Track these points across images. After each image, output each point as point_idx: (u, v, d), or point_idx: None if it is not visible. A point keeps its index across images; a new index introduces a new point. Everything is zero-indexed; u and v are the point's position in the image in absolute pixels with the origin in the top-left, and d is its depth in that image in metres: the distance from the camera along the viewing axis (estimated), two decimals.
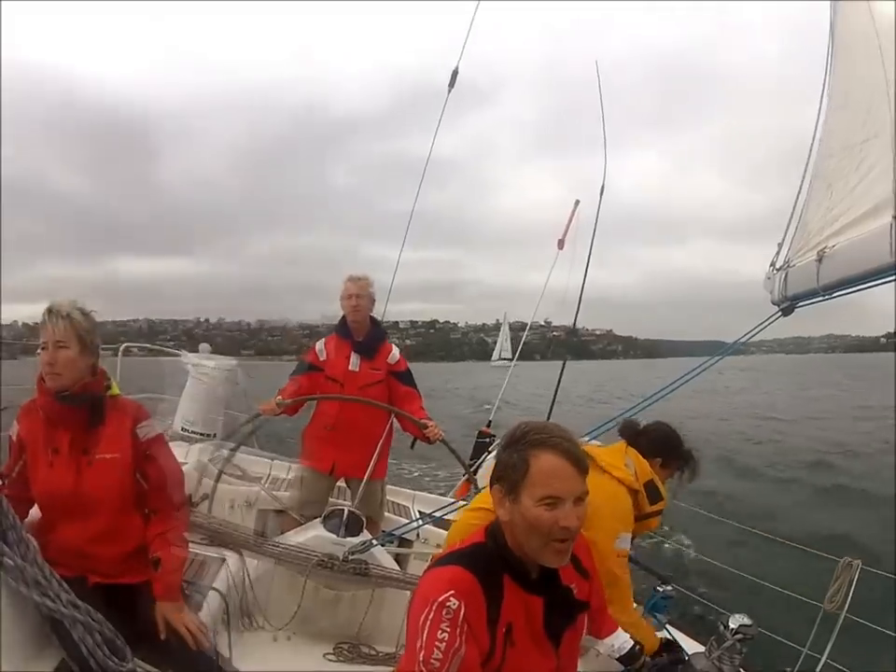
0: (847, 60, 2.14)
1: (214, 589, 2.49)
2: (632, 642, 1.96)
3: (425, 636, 1.23)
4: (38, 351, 2.00)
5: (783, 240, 2.29)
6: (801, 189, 2.26)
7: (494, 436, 4.96)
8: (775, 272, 2.31)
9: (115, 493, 2.04)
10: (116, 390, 2.15)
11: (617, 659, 1.96)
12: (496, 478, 1.42)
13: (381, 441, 3.66)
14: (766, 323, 2.25)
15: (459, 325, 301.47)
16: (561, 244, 5.27)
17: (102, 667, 1.73)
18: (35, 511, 2.10)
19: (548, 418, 4.93)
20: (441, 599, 1.26)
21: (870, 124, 1.87)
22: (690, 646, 2.43)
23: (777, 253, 2.31)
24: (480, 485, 3.74)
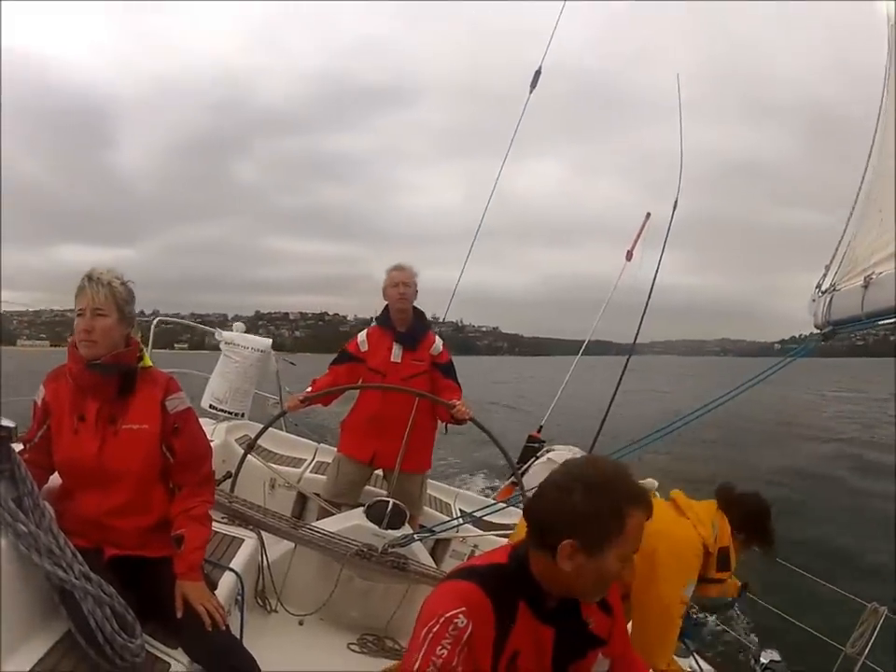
0: None
1: (230, 569, 2.47)
2: None
3: (424, 648, 1.21)
4: (75, 317, 1.97)
5: (830, 262, 2.21)
6: (852, 211, 2.17)
7: (544, 441, 4.90)
8: (820, 294, 2.23)
9: (139, 464, 2.01)
10: (148, 362, 2.14)
11: None
12: (570, 529, 1.26)
13: (411, 432, 3.56)
14: (806, 347, 2.19)
15: (348, 318, 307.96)
16: (629, 255, 5.23)
17: (109, 642, 1.71)
18: (54, 479, 2.08)
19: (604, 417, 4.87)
20: (449, 615, 1.23)
21: None
22: None
23: (824, 276, 2.22)
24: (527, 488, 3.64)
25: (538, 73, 4.30)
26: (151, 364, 2.17)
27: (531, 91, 4.35)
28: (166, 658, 1.89)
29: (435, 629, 1.22)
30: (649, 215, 5.18)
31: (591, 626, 1.41)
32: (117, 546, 2.00)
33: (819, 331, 2.21)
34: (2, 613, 1.62)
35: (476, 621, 1.23)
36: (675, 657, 2.31)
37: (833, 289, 2.14)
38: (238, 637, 2.11)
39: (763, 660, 1.92)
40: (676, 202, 4.80)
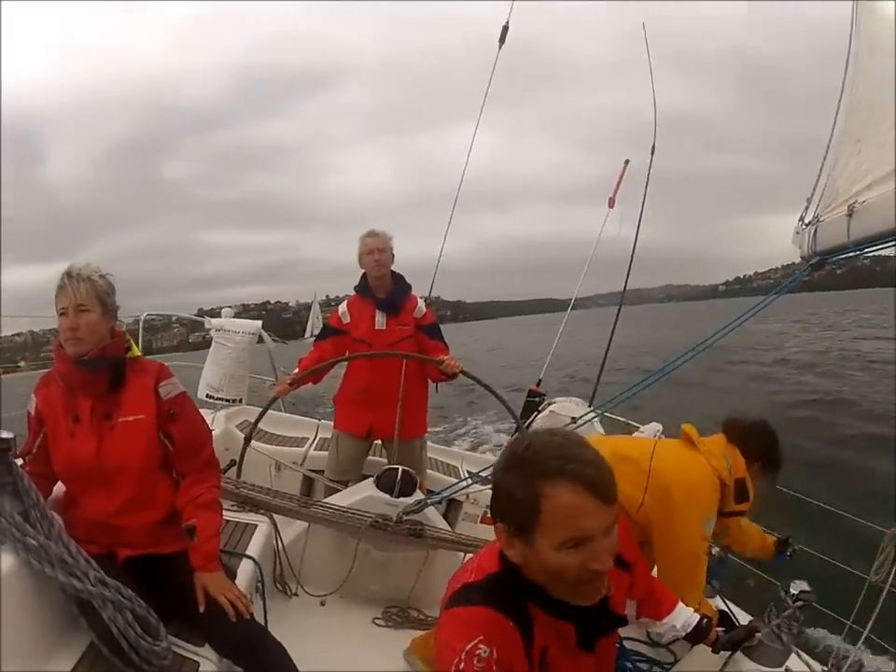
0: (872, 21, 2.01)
1: (247, 556, 2.46)
2: (698, 616, 1.77)
3: None
4: (57, 316, 1.94)
5: (812, 195, 2.19)
6: (829, 144, 2.15)
7: (544, 394, 4.93)
8: (804, 227, 2.21)
9: (140, 457, 1.98)
10: (136, 352, 2.10)
11: (684, 638, 1.75)
12: (499, 513, 1.17)
13: (403, 398, 3.53)
14: (795, 279, 2.18)
15: (290, 304, 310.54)
16: (611, 202, 5.17)
17: (135, 648, 1.68)
18: (58, 488, 2.06)
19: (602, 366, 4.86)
20: (469, 648, 1.11)
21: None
22: (738, 613, 2.39)
23: (806, 208, 2.20)
24: None
25: (505, 27, 4.24)
26: (140, 354, 2.14)
27: (500, 47, 4.30)
28: (194, 657, 1.87)
29: (462, 667, 1.10)
30: (627, 161, 5.13)
31: (610, 597, 1.27)
32: (129, 547, 1.97)
33: (806, 263, 2.21)
34: (20, 634, 1.58)
35: (499, 643, 1.13)
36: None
37: (818, 221, 2.13)
38: (263, 624, 2.09)
39: (793, 590, 1.93)
40: (653, 147, 4.78)
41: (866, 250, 1.90)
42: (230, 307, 5.16)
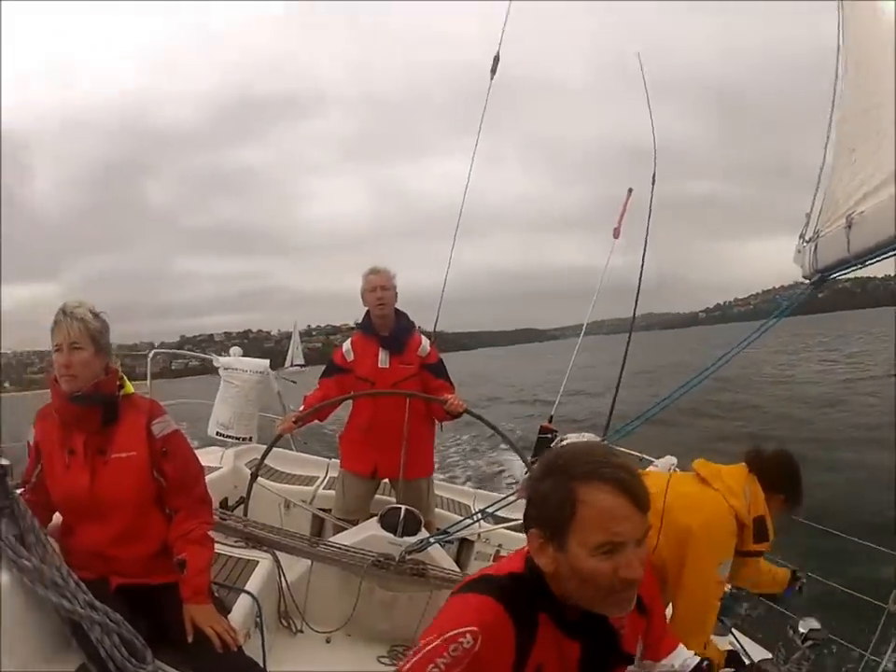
0: (858, 29, 2.04)
1: (245, 592, 2.45)
2: (697, 659, 1.64)
3: (416, 663, 1.09)
4: (53, 352, 1.99)
5: (811, 210, 2.17)
6: (824, 157, 2.14)
7: (556, 431, 4.87)
8: (804, 244, 2.19)
9: (132, 492, 2.02)
10: (130, 389, 2.14)
11: None
12: (533, 519, 1.17)
13: (409, 438, 3.50)
14: (798, 298, 2.15)
15: (272, 333, 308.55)
16: (617, 232, 5.19)
17: (120, 669, 1.70)
18: (57, 516, 2.09)
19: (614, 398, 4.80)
20: (453, 633, 1.09)
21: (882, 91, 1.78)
22: (751, 649, 2.31)
23: (806, 224, 2.18)
24: None
25: (496, 59, 4.32)
26: (133, 391, 2.17)
27: (492, 78, 4.37)
28: None
29: (431, 645, 1.09)
30: (631, 190, 5.16)
31: (622, 636, 1.25)
32: (122, 575, 2.00)
33: (808, 281, 2.18)
34: (11, 648, 1.62)
35: (491, 639, 1.10)
36: (713, 635, 2.20)
37: (817, 237, 2.11)
38: (261, 659, 2.09)
39: (801, 629, 1.84)
40: (654, 175, 4.79)
41: (867, 262, 1.87)
42: (237, 346, 5.23)
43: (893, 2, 1.74)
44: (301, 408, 3.65)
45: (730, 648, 2.28)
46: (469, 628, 1.09)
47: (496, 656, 1.11)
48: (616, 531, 1.06)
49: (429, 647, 1.08)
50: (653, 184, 4.77)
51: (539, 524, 1.14)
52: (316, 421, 3.76)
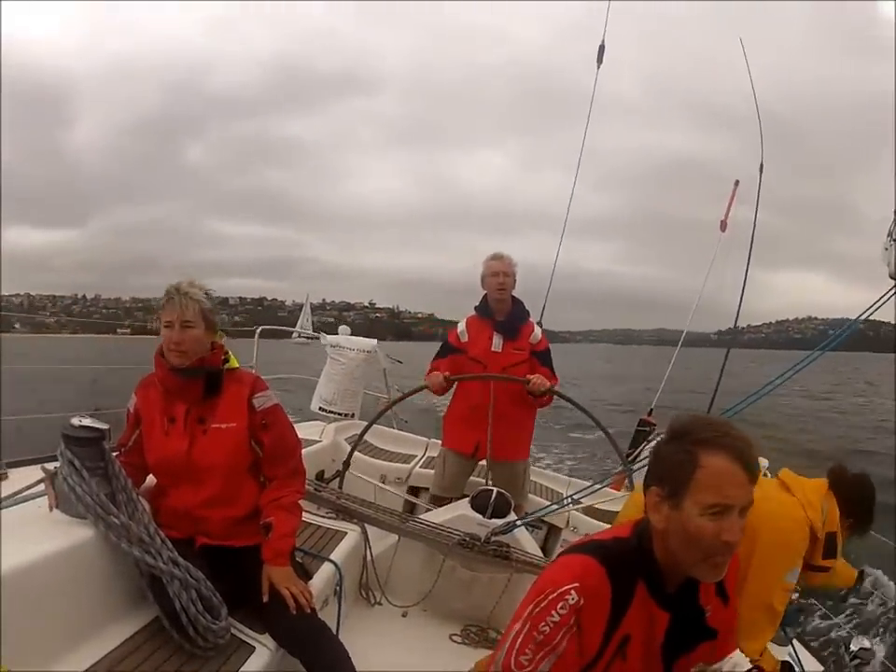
0: None
1: (329, 560, 2.53)
2: (749, 665, 1.62)
3: (527, 626, 1.19)
4: (162, 327, 2.07)
5: None
6: None
7: (655, 425, 4.69)
8: (892, 242, 1.97)
9: (225, 458, 2.09)
10: (234, 363, 2.24)
11: None
12: (655, 478, 1.26)
13: (508, 420, 3.53)
14: (884, 299, 1.94)
15: (287, 303, 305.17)
16: (723, 225, 4.95)
17: (192, 622, 1.79)
18: (151, 479, 2.21)
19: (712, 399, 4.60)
20: (561, 590, 1.18)
21: None
22: (808, 664, 2.17)
23: (894, 222, 1.96)
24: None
25: (601, 47, 4.24)
26: (238, 366, 2.28)
27: (598, 67, 4.31)
28: (251, 642, 1.95)
29: (543, 604, 1.18)
30: (737, 182, 4.89)
31: (707, 615, 1.32)
32: (208, 536, 2.09)
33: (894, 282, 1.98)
34: (88, 599, 1.76)
35: (590, 598, 1.18)
36: (772, 644, 2.11)
37: None
38: (334, 625, 2.12)
39: (852, 647, 1.74)
40: (762, 165, 4.53)
41: None
42: (346, 325, 5.39)
43: (894, 1, 1.51)
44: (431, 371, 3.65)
45: (787, 660, 2.15)
46: (573, 584, 1.18)
47: (591, 618, 1.19)
48: (728, 494, 1.15)
49: (540, 606, 1.18)
50: (761, 172, 4.50)
51: (660, 482, 1.23)
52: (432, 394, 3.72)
